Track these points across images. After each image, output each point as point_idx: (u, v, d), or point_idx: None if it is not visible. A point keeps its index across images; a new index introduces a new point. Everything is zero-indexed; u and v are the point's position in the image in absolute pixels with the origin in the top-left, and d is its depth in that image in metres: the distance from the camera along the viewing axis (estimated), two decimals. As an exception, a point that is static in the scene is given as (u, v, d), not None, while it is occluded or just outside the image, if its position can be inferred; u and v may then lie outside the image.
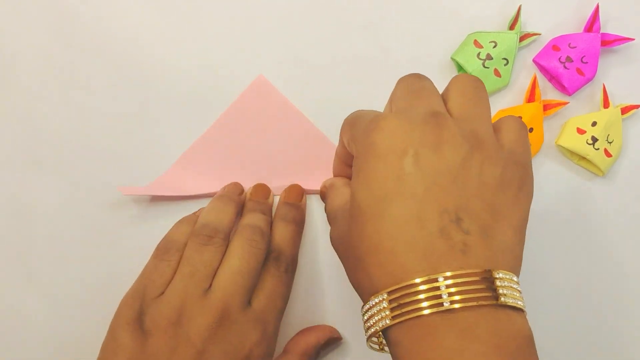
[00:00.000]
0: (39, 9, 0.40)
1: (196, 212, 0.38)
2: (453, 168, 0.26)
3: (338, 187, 0.34)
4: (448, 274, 0.24)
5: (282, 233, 0.36)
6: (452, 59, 0.39)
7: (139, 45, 0.40)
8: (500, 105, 0.39)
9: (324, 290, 0.38)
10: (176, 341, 0.31)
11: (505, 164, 0.28)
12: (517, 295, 0.25)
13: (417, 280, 0.24)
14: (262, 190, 0.38)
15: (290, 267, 0.36)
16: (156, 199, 0.39)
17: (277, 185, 0.39)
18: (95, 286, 0.38)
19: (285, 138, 0.39)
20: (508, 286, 0.25)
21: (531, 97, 0.39)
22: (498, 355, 0.23)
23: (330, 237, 0.31)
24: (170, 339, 0.31)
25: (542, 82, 0.40)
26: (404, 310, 0.24)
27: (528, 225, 0.39)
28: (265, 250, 0.34)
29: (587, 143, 0.38)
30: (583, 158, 0.39)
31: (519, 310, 0.25)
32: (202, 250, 0.33)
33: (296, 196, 0.38)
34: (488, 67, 0.38)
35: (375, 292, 0.25)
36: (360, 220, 0.27)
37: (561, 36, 0.39)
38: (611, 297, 0.39)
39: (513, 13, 0.39)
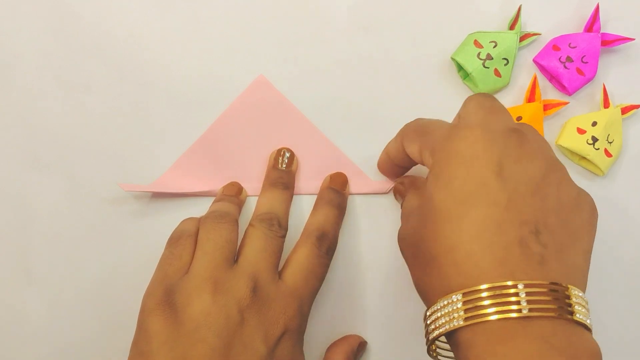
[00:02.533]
0: (39, 9, 0.40)
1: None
2: (534, 182, 0.27)
3: (418, 187, 0.34)
4: (526, 281, 0.24)
5: (327, 215, 0.36)
6: (452, 59, 0.39)
7: (139, 46, 0.40)
8: (500, 105, 0.40)
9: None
10: (215, 310, 0.29)
11: (579, 189, 0.29)
12: (588, 314, 0.26)
13: (496, 284, 0.24)
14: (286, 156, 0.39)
15: (331, 250, 0.35)
16: (156, 199, 0.39)
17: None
18: (96, 285, 0.38)
19: (285, 138, 0.39)
20: (581, 304, 0.26)
21: (531, 97, 0.39)
22: None
23: (399, 235, 0.31)
24: (208, 306, 0.30)
25: (542, 82, 0.40)
26: (480, 312, 0.24)
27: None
28: (284, 238, 0.34)
29: (587, 143, 0.38)
30: (583, 158, 0.39)
31: (589, 329, 0.26)
32: (218, 227, 0.33)
33: (342, 184, 0.38)
34: (488, 67, 0.38)
35: (448, 292, 0.26)
36: (439, 220, 0.27)
37: (561, 36, 0.39)
38: (611, 296, 0.39)
39: (513, 13, 0.39)
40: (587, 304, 0.27)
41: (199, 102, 0.39)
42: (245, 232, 0.34)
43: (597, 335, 0.40)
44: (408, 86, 0.40)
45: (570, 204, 0.28)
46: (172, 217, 0.38)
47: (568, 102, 0.39)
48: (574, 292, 0.26)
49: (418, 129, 0.32)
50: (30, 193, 0.39)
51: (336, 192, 0.38)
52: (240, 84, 0.39)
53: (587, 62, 0.38)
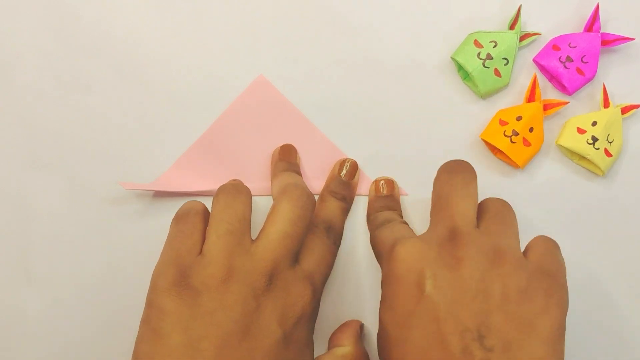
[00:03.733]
0: (39, 9, 0.40)
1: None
2: (472, 285, 0.27)
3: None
4: None
5: (334, 208, 0.36)
6: (452, 58, 0.39)
7: (139, 46, 0.40)
8: (500, 105, 0.40)
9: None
10: (230, 298, 0.29)
11: (530, 276, 0.28)
12: None
13: None
14: (289, 150, 0.38)
15: (338, 240, 0.36)
16: (156, 199, 0.39)
17: (277, 185, 0.39)
18: (96, 285, 0.38)
19: (285, 138, 0.39)
20: None
21: (531, 96, 0.39)
22: None
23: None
24: (224, 295, 0.29)
25: (542, 81, 0.40)
26: None
27: (528, 225, 0.40)
28: (312, 212, 0.33)
29: (587, 143, 0.38)
30: (583, 158, 0.39)
31: None
32: (232, 205, 0.31)
33: (350, 174, 0.38)
34: (488, 67, 0.38)
35: None
36: (387, 345, 0.28)
37: (561, 36, 0.39)
38: (611, 296, 0.39)
39: (513, 13, 0.39)
40: None
41: (199, 102, 0.39)
42: (276, 202, 0.33)
43: (597, 335, 0.40)
44: (408, 86, 0.40)
45: (517, 294, 0.28)
46: (172, 216, 0.38)
47: (568, 102, 0.39)
48: None
49: (376, 221, 0.35)
50: (30, 193, 0.39)
51: (344, 183, 0.38)
52: (240, 84, 0.39)
53: (587, 62, 0.38)
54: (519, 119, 0.38)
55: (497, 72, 0.38)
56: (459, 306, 0.27)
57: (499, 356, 0.26)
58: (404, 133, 0.39)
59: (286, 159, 0.38)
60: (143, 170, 0.39)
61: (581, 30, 0.40)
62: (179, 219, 0.32)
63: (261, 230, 0.31)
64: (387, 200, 0.38)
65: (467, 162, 0.33)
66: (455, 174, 0.32)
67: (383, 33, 0.40)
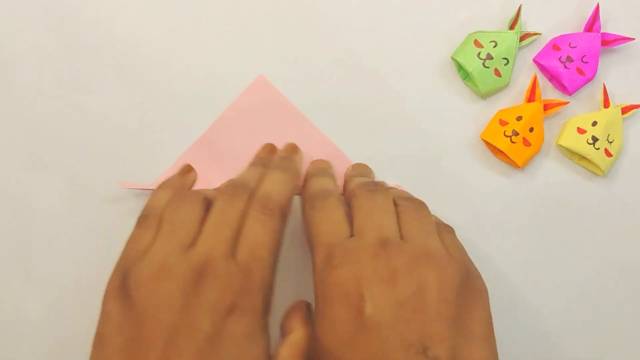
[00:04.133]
0: (39, 9, 0.40)
1: (174, 176, 0.37)
2: (411, 296, 0.27)
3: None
4: None
5: (271, 179, 0.35)
6: (452, 58, 0.39)
7: (139, 45, 0.40)
8: (500, 105, 0.40)
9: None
10: (157, 297, 0.29)
11: (460, 275, 0.29)
12: None
13: None
14: (269, 149, 0.38)
15: (278, 212, 0.33)
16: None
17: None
18: (95, 285, 0.38)
19: (285, 138, 0.39)
20: None
21: (531, 96, 0.39)
22: None
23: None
24: (152, 293, 0.29)
25: (543, 81, 0.40)
26: None
27: (530, 225, 0.40)
28: (245, 199, 0.33)
29: (587, 143, 0.38)
30: (583, 158, 0.39)
31: None
32: (179, 207, 0.32)
33: (290, 150, 0.38)
34: (488, 67, 0.38)
35: None
36: (328, 356, 0.28)
37: (561, 36, 0.39)
38: (611, 296, 0.39)
39: (513, 13, 0.39)
40: None
41: (199, 102, 0.39)
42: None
43: (597, 336, 0.40)
44: (408, 86, 0.40)
45: (453, 296, 0.28)
46: (172, 217, 0.38)
47: (568, 102, 0.39)
48: None
49: (312, 221, 0.33)
50: (30, 193, 0.39)
51: (283, 158, 0.37)
52: (240, 84, 0.39)
53: (587, 62, 0.38)
54: (519, 119, 0.38)
55: (497, 72, 0.38)
56: (400, 322, 0.27)
57: None
58: (404, 133, 0.39)
59: (261, 157, 0.38)
60: (143, 170, 0.39)
61: (581, 30, 0.40)
62: (139, 220, 0.33)
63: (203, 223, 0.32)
64: (322, 164, 0.38)
65: (382, 183, 0.34)
66: (374, 192, 0.33)
67: (383, 33, 0.40)
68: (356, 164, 0.39)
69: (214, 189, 0.34)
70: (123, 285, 0.30)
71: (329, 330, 0.28)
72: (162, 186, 0.36)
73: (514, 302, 0.39)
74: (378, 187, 0.33)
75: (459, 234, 0.39)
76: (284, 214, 0.33)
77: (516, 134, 0.38)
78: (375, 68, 0.40)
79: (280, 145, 0.39)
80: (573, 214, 0.39)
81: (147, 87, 0.39)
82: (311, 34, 0.40)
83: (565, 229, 0.39)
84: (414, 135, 0.39)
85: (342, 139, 0.39)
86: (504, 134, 0.38)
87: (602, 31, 0.39)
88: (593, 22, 0.39)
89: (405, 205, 0.32)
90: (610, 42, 0.39)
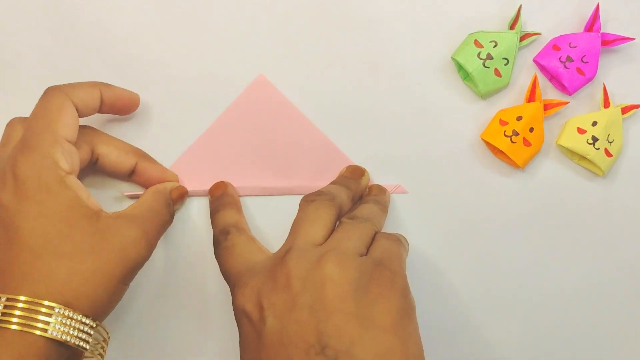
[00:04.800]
0: (39, 9, 0.40)
1: None
2: (307, 298, 0.28)
3: None
4: None
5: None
6: (452, 58, 0.39)
7: (139, 46, 0.40)
8: (500, 105, 0.39)
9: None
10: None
11: (363, 269, 0.29)
12: None
13: None
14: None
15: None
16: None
17: (276, 185, 0.39)
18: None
19: (285, 138, 0.39)
20: None
21: (531, 96, 0.39)
22: None
23: None
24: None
25: (543, 81, 0.40)
26: None
27: (530, 225, 0.39)
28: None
29: (587, 143, 0.38)
30: (583, 158, 0.39)
31: None
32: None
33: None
34: (488, 67, 0.38)
35: None
36: None
37: (561, 36, 0.39)
38: (612, 297, 0.39)
39: (513, 13, 0.39)
40: None
41: (199, 102, 0.39)
42: None
43: (597, 336, 0.40)
44: (408, 86, 0.40)
45: (351, 288, 0.28)
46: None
47: (568, 102, 0.39)
48: None
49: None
50: (30, 193, 0.39)
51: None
52: (240, 84, 0.39)
53: (587, 62, 0.38)
54: (519, 119, 0.38)
55: (497, 72, 0.38)
56: (300, 325, 0.27)
57: (344, 358, 0.26)
58: (404, 133, 0.39)
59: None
60: (143, 170, 0.39)
61: (581, 30, 0.40)
62: None
63: None
64: (221, 198, 0.38)
65: (326, 189, 0.34)
66: (309, 202, 0.33)
67: (383, 33, 0.40)
68: (350, 165, 0.38)
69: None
70: None
71: (244, 349, 0.29)
72: None
73: (514, 302, 0.39)
74: (316, 198, 0.33)
75: (459, 234, 0.39)
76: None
77: (516, 134, 0.38)
78: (375, 68, 0.40)
79: (279, 144, 0.39)
80: (573, 214, 0.39)
81: (147, 87, 0.39)
82: (311, 33, 0.40)
83: (565, 229, 0.39)
84: (414, 135, 0.39)
85: (342, 139, 0.39)
86: (504, 134, 0.38)
87: (602, 31, 0.39)
88: (593, 22, 0.39)
89: (347, 223, 0.32)
90: (610, 42, 0.39)
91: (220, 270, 0.34)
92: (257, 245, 0.34)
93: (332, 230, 0.32)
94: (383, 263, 0.29)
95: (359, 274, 0.28)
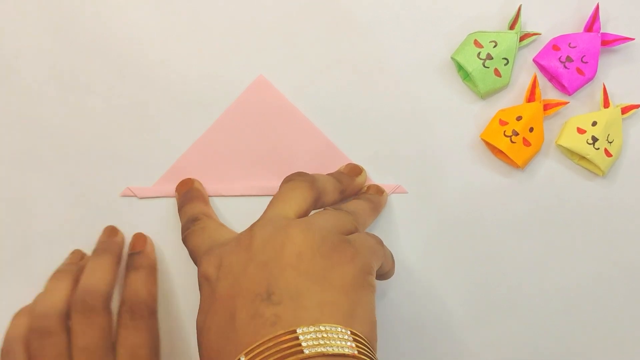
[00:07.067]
0: (39, 9, 0.40)
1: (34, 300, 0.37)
2: (264, 253, 0.28)
3: None
4: (252, 347, 0.26)
5: (131, 282, 0.36)
6: (452, 58, 0.39)
7: (139, 46, 0.40)
8: (500, 105, 0.40)
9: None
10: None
11: (328, 239, 0.29)
12: (328, 342, 0.26)
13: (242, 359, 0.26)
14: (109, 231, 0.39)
15: (146, 312, 0.36)
16: (156, 198, 0.39)
17: (276, 185, 0.39)
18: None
19: (285, 138, 0.39)
20: (313, 337, 0.26)
21: (531, 96, 0.39)
22: None
23: None
24: None
25: (542, 81, 0.40)
26: None
27: (530, 224, 0.40)
28: (109, 315, 0.35)
29: (587, 143, 0.38)
30: (583, 158, 0.39)
31: (336, 355, 0.26)
32: (43, 346, 0.34)
33: (139, 245, 0.38)
34: (488, 67, 0.38)
35: None
36: (199, 337, 0.29)
37: (561, 36, 0.39)
38: (611, 296, 0.39)
39: (513, 13, 0.39)
40: (333, 332, 0.27)
41: (199, 102, 0.39)
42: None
43: (597, 336, 0.40)
44: (408, 86, 0.40)
45: (313, 257, 0.28)
46: (171, 216, 0.38)
47: (568, 102, 0.39)
48: (302, 329, 0.26)
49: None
50: (30, 193, 0.39)
51: (134, 255, 0.38)
52: (240, 84, 0.39)
53: (587, 62, 0.38)
54: (519, 119, 0.38)
55: (497, 72, 0.38)
56: (251, 279, 0.27)
57: (286, 304, 0.26)
58: (404, 133, 0.39)
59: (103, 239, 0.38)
60: (143, 170, 0.39)
61: (581, 30, 0.40)
62: (2, 355, 0.35)
63: None
64: (188, 193, 0.38)
65: (311, 174, 0.34)
66: (287, 181, 0.33)
67: (383, 33, 0.40)
68: (349, 163, 0.39)
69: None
70: None
71: (198, 315, 0.29)
72: (20, 313, 0.36)
73: (514, 302, 0.39)
74: (295, 177, 0.33)
75: (459, 233, 0.39)
76: (151, 311, 0.37)
77: (516, 134, 0.38)
78: (375, 68, 0.40)
79: (279, 145, 0.39)
80: (573, 214, 0.39)
81: (147, 87, 0.39)
82: (311, 34, 0.40)
83: (565, 229, 0.39)
84: (414, 135, 0.39)
85: (342, 139, 0.39)
86: (504, 134, 0.38)
87: (602, 31, 0.39)
88: (593, 22, 0.39)
89: (328, 210, 0.33)
90: (610, 42, 0.39)
91: (189, 253, 0.33)
92: (228, 229, 0.34)
93: (307, 212, 0.32)
94: (352, 243, 0.30)
95: (321, 242, 0.29)
